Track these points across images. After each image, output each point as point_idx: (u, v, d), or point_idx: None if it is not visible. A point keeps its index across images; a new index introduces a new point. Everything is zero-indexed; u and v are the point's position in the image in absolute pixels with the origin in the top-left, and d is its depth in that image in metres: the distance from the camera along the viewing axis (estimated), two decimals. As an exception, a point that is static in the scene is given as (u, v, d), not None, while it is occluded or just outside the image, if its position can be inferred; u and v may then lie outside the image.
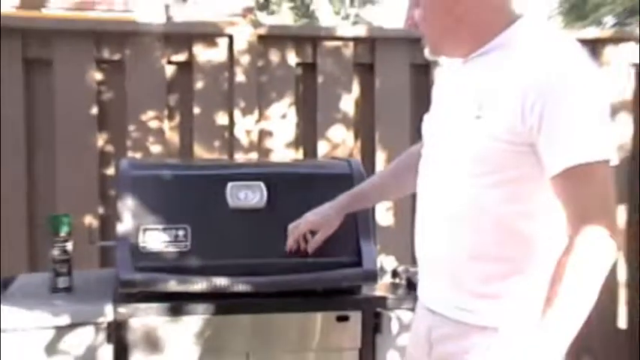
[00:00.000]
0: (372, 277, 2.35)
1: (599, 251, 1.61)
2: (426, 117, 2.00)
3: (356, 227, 2.46)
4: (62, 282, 2.58)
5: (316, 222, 2.35)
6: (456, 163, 1.79)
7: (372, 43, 3.68)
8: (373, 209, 2.19)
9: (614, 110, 3.88)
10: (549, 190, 1.68)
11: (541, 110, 1.62)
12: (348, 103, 3.75)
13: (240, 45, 3.65)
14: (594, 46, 3.90)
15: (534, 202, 1.74)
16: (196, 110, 3.64)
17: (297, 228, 2.37)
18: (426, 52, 1.91)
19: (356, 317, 2.41)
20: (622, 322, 4.01)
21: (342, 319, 2.42)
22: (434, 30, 1.84)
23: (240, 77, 3.66)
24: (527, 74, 1.66)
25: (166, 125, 3.63)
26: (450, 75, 1.95)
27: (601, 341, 3.90)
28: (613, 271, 3.87)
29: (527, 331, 1.64)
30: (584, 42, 3.83)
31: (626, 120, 3.97)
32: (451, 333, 1.85)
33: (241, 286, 2.36)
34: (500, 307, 1.79)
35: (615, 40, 4.00)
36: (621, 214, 3.94)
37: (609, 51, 3.94)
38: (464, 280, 1.82)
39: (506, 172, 1.71)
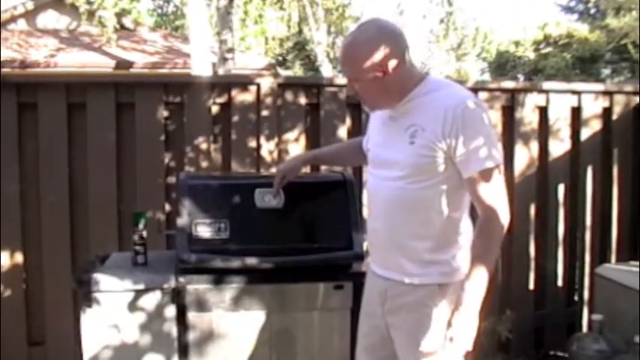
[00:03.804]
0: (360, 257, 2.30)
1: (499, 226, 1.77)
2: (371, 141, 2.05)
3: (348, 220, 2.41)
4: (140, 259, 2.54)
5: (285, 170, 2.36)
6: (399, 174, 1.84)
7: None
8: (361, 208, 2.17)
9: (528, 135, 3.88)
10: (463, 187, 1.82)
11: (456, 134, 1.75)
12: (342, 131, 3.69)
13: (265, 90, 3.60)
14: (513, 93, 3.90)
15: (455, 196, 1.83)
16: (233, 137, 3.59)
17: (275, 178, 2.35)
18: (366, 109, 2.01)
19: (348, 286, 2.36)
20: (531, 285, 3.94)
21: (338, 287, 2.37)
22: (369, 97, 1.90)
23: (264, 113, 3.60)
24: (442, 111, 1.77)
25: (212, 148, 3.57)
26: (382, 114, 1.99)
27: (517, 299, 3.87)
28: (526, 248, 3.86)
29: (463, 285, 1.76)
30: (506, 90, 3.89)
31: (534, 142, 3.93)
32: (402, 291, 1.90)
33: (265, 264, 2.33)
34: (436, 270, 1.86)
35: (526, 89, 3.96)
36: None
37: (521, 97, 3.90)
38: (409, 254, 1.87)
39: (434, 178, 1.80)
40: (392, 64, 1.81)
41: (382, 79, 1.82)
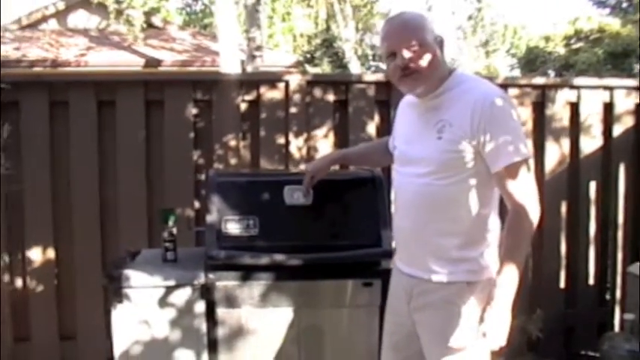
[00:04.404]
0: (389, 254, 2.27)
1: (529, 222, 1.76)
2: (398, 138, 2.05)
3: (377, 217, 2.41)
4: (170, 255, 2.56)
5: (313, 170, 2.36)
6: (426, 170, 1.84)
7: (388, 86, 3.61)
8: (390, 205, 2.17)
9: (559, 132, 3.83)
10: (491, 183, 1.81)
11: (484, 128, 1.75)
12: (371, 128, 3.68)
13: (293, 87, 3.60)
14: (543, 89, 3.85)
15: (483, 191, 1.82)
16: (262, 134, 3.60)
17: (304, 179, 2.35)
18: (405, 89, 1.94)
19: (377, 283, 2.35)
20: (562, 284, 3.89)
21: (367, 284, 2.37)
22: (422, 69, 1.84)
23: (293, 110, 3.61)
24: (470, 106, 1.77)
25: (241, 145, 3.59)
26: (410, 111, 1.99)
27: (547, 297, 3.82)
28: (556, 245, 3.81)
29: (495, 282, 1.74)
30: (536, 86, 3.84)
31: (565, 139, 3.88)
32: (429, 289, 1.89)
33: (294, 261, 2.33)
34: (464, 267, 1.85)
35: (556, 85, 3.90)
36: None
37: (552, 93, 3.85)
38: (436, 252, 1.86)
39: (462, 173, 1.80)
40: (439, 43, 1.87)
41: (435, 52, 1.84)
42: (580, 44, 13.44)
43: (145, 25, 11.54)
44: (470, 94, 1.81)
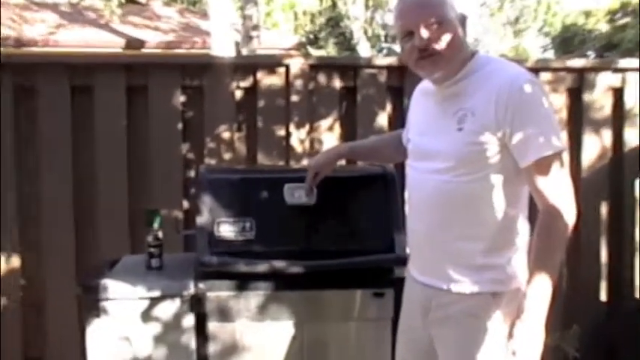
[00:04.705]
0: (403, 260, 2.27)
1: (563, 224, 1.75)
2: (412, 130, 2.08)
3: (389, 219, 2.42)
4: (155, 262, 2.57)
5: (317, 166, 2.38)
6: (445, 165, 1.84)
7: (402, 71, 3.62)
8: (404, 205, 2.18)
9: (599, 122, 3.84)
10: (519, 180, 1.81)
11: (511, 117, 1.74)
12: (382, 118, 3.70)
13: (294, 72, 3.63)
14: (581, 73, 3.86)
15: (511, 189, 1.82)
16: (259, 125, 3.63)
17: (307, 175, 2.37)
18: (422, 73, 1.94)
19: (389, 293, 2.37)
20: (602, 296, 3.89)
21: (378, 295, 2.39)
22: (443, 49, 1.85)
23: (294, 98, 3.63)
24: (494, 92, 1.77)
25: (235, 137, 3.61)
26: (426, 99, 2.01)
27: (585, 311, 3.83)
28: (596, 252, 3.82)
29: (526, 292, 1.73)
30: (573, 70, 3.83)
31: (606, 130, 3.89)
32: (449, 301, 1.89)
33: (295, 268, 2.34)
34: (488, 276, 1.85)
35: (597, 68, 3.91)
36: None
37: (592, 77, 3.86)
38: (457, 258, 1.86)
39: (486, 169, 1.80)
40: (461, 21, 1.88)
41: (457, 31, 1.85)
42: (626, 20, 13.35)
43: (123, 0, 11.53)
44: (494, 78, 1.81)
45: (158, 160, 3.52)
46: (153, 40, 10.67)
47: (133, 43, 10.41)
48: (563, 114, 3.82)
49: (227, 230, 2.38)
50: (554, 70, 3.85)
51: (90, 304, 2.36)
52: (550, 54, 18.29)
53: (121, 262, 2.72)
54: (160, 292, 2.37)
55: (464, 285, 1.86)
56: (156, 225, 2.58)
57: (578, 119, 3.84)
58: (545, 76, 3.77)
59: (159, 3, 13.70)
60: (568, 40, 14.54)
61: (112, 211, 3.48)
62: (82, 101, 3.48)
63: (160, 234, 2.59)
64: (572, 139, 3.82)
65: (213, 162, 3.55)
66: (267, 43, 9.43)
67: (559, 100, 3.79)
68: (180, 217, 3.47)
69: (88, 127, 3.48)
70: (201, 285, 2.37)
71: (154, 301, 2.37)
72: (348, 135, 3.67)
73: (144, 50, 10.36)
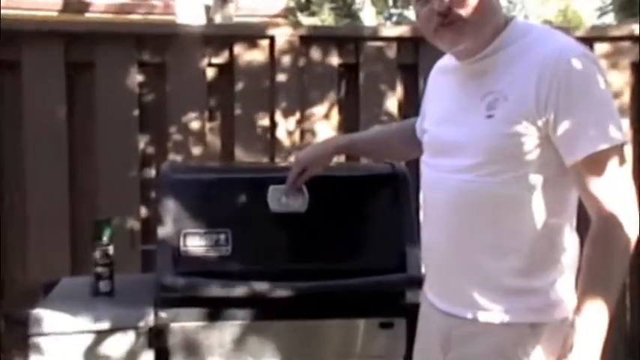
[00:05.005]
0: (417, 282, 2.28)
1: (623, 237, 1.73)
2: (429, 118, 2.09)
3: (400, 230, 2.45)
4: (104, 286, 2.58)
5: (306, 161, 2.39)
6: (470, 162, 1.85)
7: (416, 43, 3.66)
8: (417, 213, 2.19)
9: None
10: (566, 181, 1.80)
11: (555, 102, 1.73)
12: (391, 103, 3.73)
13: (281, 46, 3.66)
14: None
15: (554, 193, 1.82)
16: (237, 112, 3.65)
17: (291, 171, 2.39)
18: (443, 45, 1.94)
19: (400, 324, 2.39)
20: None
21: (386, 325, 2.40)
22: (470, 14, 1.84)
23: (281, 78, 3.66)
24: (534, 70, 1.77)
25: (207, 127, 3.64)
26: (447, 79, 2.02)
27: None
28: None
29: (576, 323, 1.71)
30: (638, 39, 3.78)
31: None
32: (474, 333, 1.89)
33: (282, 292, 2.35)
34: (525, 302, 1.84)
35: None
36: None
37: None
38: (485, 279, 1.87)
39: (522, 167, 1.80)
40: None
41: None
42: None
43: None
44: (534, 52, 1.81)
45: (108, 156, 3.55)
46: (99, 1, 10.65)
47: (74, 6, 10.38)
48: (626, 96, 3.85)
49: (196, 244, 2.40)
50: (614, 39, 3.89)
51: (18, 341, 2.35)
52: (609, 18, 18.28)
53: (59, 285, 2.73)
54: (110, 324, 2.38)
55: (493, 313, 1.86)
56: (105, 238, 2.59)
57: (643, 102, 3.87)
58: (602, 47, 3.81)
59: (107, -45, 13.65)
60: (633, 1, 14.53)
61: (48, 220, 3.49)
62: (7, 81, 3.50)
63: (111, 250, 2.59)
64: (637, 128, 3.84)
65: (178, 158, 3.58)
66: (246, 9, 9.43)
67: (620, 79, 3.82)
68: (136, 228, 3.50)
69: (15, 114, 3.50)
70: (162, 314, 2.38)
71: (102, 336, 2.38)
72: (348, 124, 3.71)
73: (88, 15, 10.34)
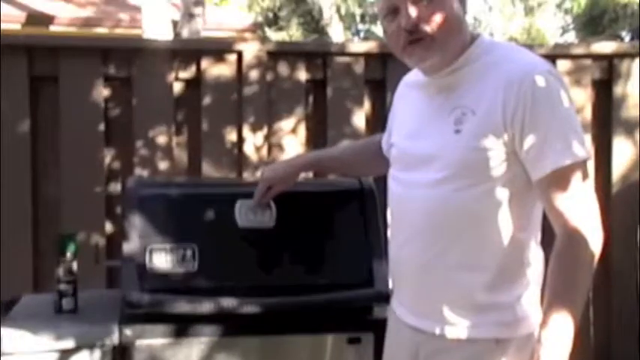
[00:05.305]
0: (385, 297, 2.29)
1: (587, 251, 1.76)
2: (396, 132, 2.10)
3: (367, 245, 2.45)
4: (67, 303, 2.55)
5: (273, 179, 2.40)
6: (439, 176, 1.86)
7: (384, 58, 3.67)
8: (385, 227, 2.20)
9: (633, 123, 3.89)
10: (532, 196, 1.84)
11: (521, 118, 1.77)
12: (359, 118, 3.74)
13: (249, 61, 3.65)
14: (611, 60, 3.93)
15: (520, 208, 1.85)
16: (204, 126, 3.64)
17: (257, 188, 2.39)
18: (410, 61, 1.95)
19: (368, 339, 2.38)
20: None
21: (354, 340, 2.40)
22: (437, 28, 1.87)
23: (248, 92, 3.65)
24: (501, 85, 1.80)
25: (174, 142, 3.62)
26: (415, 94, 2.04)
27: (620, 358, 3.88)
28: (632, 285, 3.85)
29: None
30: (600, 56, 3.86)
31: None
32: (442, 348, 1.91)
33: (250, 308, 2.34)
34: (493, 317, 1.86)
35: (631, 54, 3.97)
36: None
37: (625, 65, 3.93)
38: (454, 294, 1.88)
39: (489, 181, 1.82)
40: None
41: (453, 7, 1.87)
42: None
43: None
44: (501, 68, 1.84)
45: (72, 171, 3.51)
46: (64, 15, 10.60)
47: (38, 19, 10.32)
48: (588, 112, 3.89)
49: (162, 260, 2.38)
50: (577, 57, 3.93)
51: (-24, 361, 2.32)
52: (571, 36, 18.55)
53: (20, 302, 2.70)
54: (74, 342, 2.35)
55: (460, 329, 1.87)
56: (69, 254, 2.56)
57: (606, 119, 3.92)
58: (565, 64, 3.85)
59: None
60: (595, 20, 14.70)
61: (10, 236, 3.45)
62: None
63: (75, 265, 2.57)
64: (599, 144, 3.88)
65: (145, 173, 3.56)
66: (214, 23, 9.44)
67: (582, 96, 3.86)
68: (101, 243, 3.47)
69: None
70: (127, 331, 2.36)
71: (65, 354, 2.35)
72: (315, 139, 3.71)
73: (52, 28, 10.28)
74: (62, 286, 2.55)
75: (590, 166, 1.83)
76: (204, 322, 2.36)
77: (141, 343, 2.36)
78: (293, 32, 17.66)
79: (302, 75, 3.73)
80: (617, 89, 3.92)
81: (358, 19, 19.45)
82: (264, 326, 2.38)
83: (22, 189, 3.49)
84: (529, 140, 1.78)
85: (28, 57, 3.52)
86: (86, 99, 3.54)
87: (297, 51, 3.90)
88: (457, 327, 1.88)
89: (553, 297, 1.74)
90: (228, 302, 2.33)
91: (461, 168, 1.84)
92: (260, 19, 16.06)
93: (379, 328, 2.20)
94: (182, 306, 2.33)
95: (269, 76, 3.69)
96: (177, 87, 3.67)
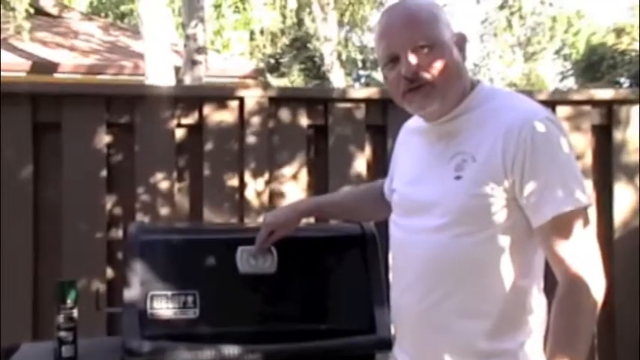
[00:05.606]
0: (387, 344, 2.29)
1: (589, 299, 1.76)
2: (398, 178, 2.12)
3: (369, 291, 2.43)
4: (67, 351, 2.52)
5: (275, 224, 2.40)
6: (440, 222, 1.87)
7: (385, 105, 3.69)
8: (387, 272, 2.20)
9: (633, 168, 3.90)
10: (533, 243, 1.84)
11: (521, 165, 1.78)
12: (360, 164, 3.75)
13: (251, 107, 3.68)
14: (610, 106, 3.96)
15: (522, 255, 1.85)
16: (206, 172, 3.65)
17: (259, 233, 2.39)
18: (410, 107, 1.96)
19: (370, 387, 2.36)
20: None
21: (356, 388, 2.38)
22: (437, 76, 1.88)
23: (250, 139, 3.67)
24: (501, 133, 1.81)
25: (176, 188, 3.63)
26: (416, 140, 2.06)
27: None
28: (634, 332, 3.83)
29: None
30: (600, 102, 3.89)
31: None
32: None
33: (251, 355, 2.32)
34: None
35: (630, 100, 4.00)
36: None
37: (624, 111, 3.96)
38: (456, 341, 1.88)
39: (490, 228, 1.83)
40: (459, 43, 1.92)
41: (453, 55, 1.89)
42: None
43: (31, 11, 11.47)
44: (501, 116, 1.86)
45: (74, 217, 3.52)
46: (68, 62, 10.66)
47: (43, 66, 10.38)
48: (588, 159, 3.90)
49: (163, 307, 2.36)
50: (576, 103, 3.95)
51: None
52: (570, 82, 18.66)
53: (19, 351, 2.67)
54: (74, 391, 2.34)
55: None
56: (69, 300, 2.54)
57: (606, 165, 3.94)
58: (565, 110, 3.87)
59: (76, 15, 13.63)
60: (594, 65, 14.78)
61: (11, 282, 3.44)
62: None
63: (75, 312, 2.54)
64: (600, 190, 3.89)
65: (146, 219, 3.56)
66: (216, 70, 9.49)
67: (581, 141, 3.88)
68: (102, 289, 3.45)
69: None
70: (128, 378, 2.34)
71: (66, 403, 2.33)
72: (317, 185, 3.72)
73: (56, 76, 10.34)
74: (62, 334, 2.52)
75: (592, 212, 1.83)
76: (205, 370, 2.35)
77: (141, 391, 2.34)
78: (294, 78, 17.80)
79: (303, 121, 3.75)
80: (617, 135, 3.94)
81: (359, 65, 19.58)
82: (267, 374, 2.36)
83: (24, 234, 3.49)
84: (529, 187, 1.79)
85: (32, 104, 3.54)
86: (89, 145, 3.56)
87: (299, 97, 3.92)
88: None
89: (555, 344, 1.75)
90: (230, 349, 2.31)
91: (462, 214, 1.84)
92: (262, 65, 16.17)
93: (382, 376, 2.19)
94: (183, 353, 2.31)
95: (271, 122, 3.71)
96: (180, 133, 3.69)
